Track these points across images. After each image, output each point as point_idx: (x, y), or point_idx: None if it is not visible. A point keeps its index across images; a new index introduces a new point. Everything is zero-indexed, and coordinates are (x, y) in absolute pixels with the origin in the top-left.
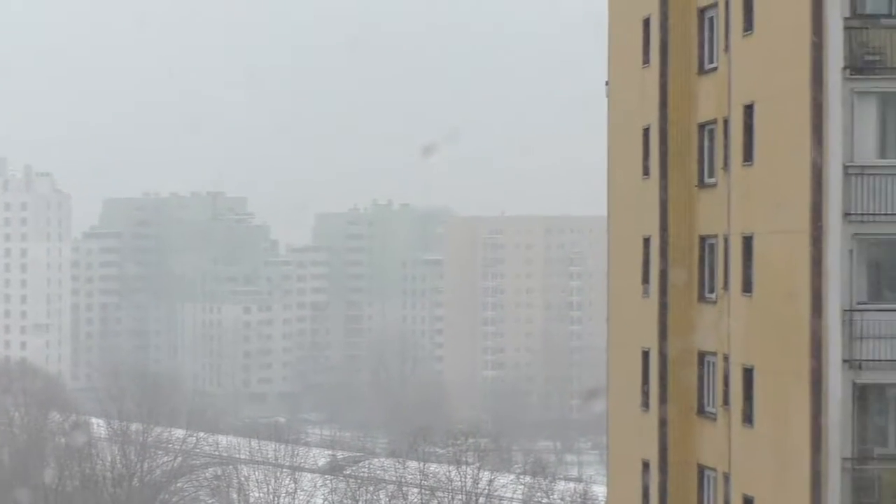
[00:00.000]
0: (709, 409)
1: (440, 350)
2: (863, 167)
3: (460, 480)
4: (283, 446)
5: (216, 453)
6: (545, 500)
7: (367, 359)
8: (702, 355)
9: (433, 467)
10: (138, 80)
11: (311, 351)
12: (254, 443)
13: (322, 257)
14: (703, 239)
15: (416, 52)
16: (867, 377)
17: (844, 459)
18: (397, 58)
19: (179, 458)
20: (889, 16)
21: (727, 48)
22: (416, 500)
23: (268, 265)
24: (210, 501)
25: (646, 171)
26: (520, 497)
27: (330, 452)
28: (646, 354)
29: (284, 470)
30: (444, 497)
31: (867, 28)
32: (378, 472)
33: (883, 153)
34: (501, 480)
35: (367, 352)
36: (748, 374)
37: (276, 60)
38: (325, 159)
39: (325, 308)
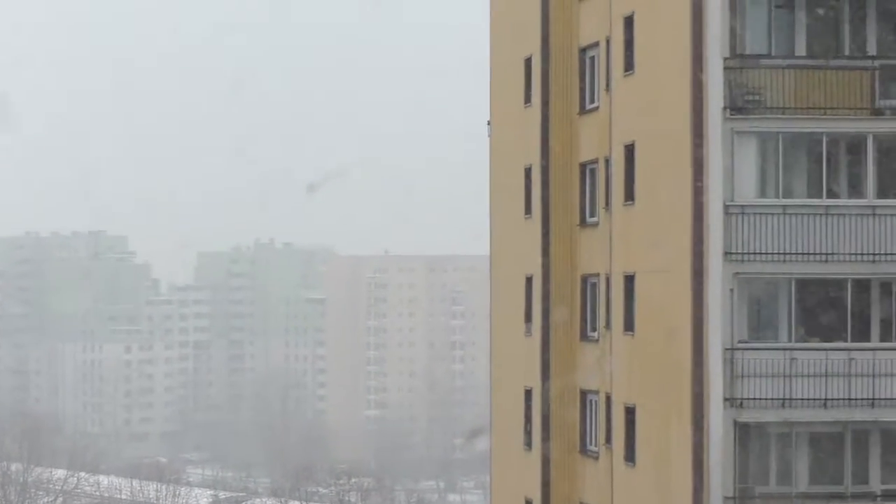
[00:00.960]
0: (591, 447)
1: (323, 389)
2: (743, 206)
3: None
4: (164, 486)
5: (97, 494)
6: None
7: (249, 398)
8: (584, 394)
9: None
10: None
11: (193, 390)
12: (135, 483)
13: (204, 296)
14: (585, 278)
15: (300, 89)
16: (748, 416)
17: (726, 498)
18: (280, 94)
19: (60, 499)
20: (768, 56)
21: (608, 88)
22: None
23: (149, 304)
24: None
25: (528, 211)
26: None
27: (212, 492)
28: (528, 393)
29: None
30: None
31: (747, 68)
32: None
33: (763, 192)
34: None
35: (249, 391)
36: (630, 412)
37: (160, 95)
38: (208, 197)
39: (207, 347)
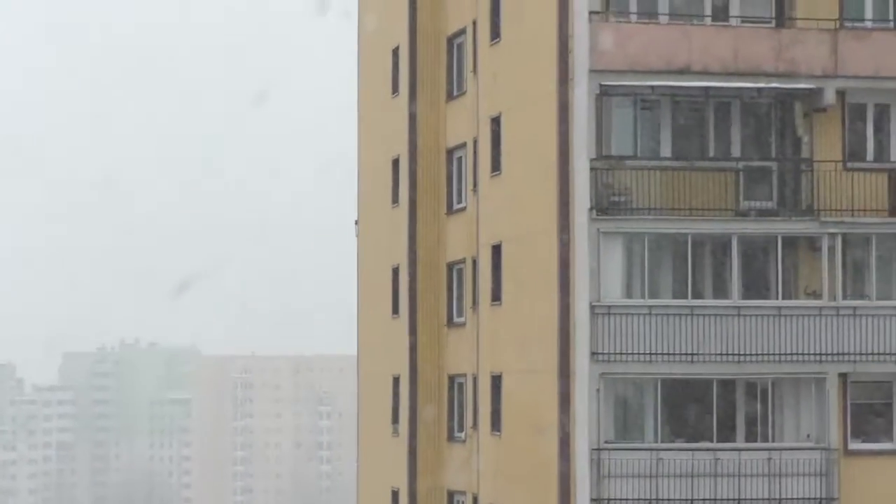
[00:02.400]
0: None
1: (188, 491)
2: (609, 306)
3: None
4: None
5: None
6: None
7: (114, 499)
8: (451, 494)
9: None
10: None
11: (57, 491)
12: None
13: (69, 396)
14: (452, 378)
15: (166, 188)
16: None
17: None
18: (147, 191)
19: None
20: (634, 157)
21: (475, 188)
22: None
23: (13, 404)
24: None
25: (395, 310)
26: None
27: None
28: (395, 494)
29: None
30: None
31: (613, 169)
32: None
33: (629, 292)
34: None
35: (114, 492)
36: None
37: (24, 193)
38: (73, 297)
39: (71, 448)
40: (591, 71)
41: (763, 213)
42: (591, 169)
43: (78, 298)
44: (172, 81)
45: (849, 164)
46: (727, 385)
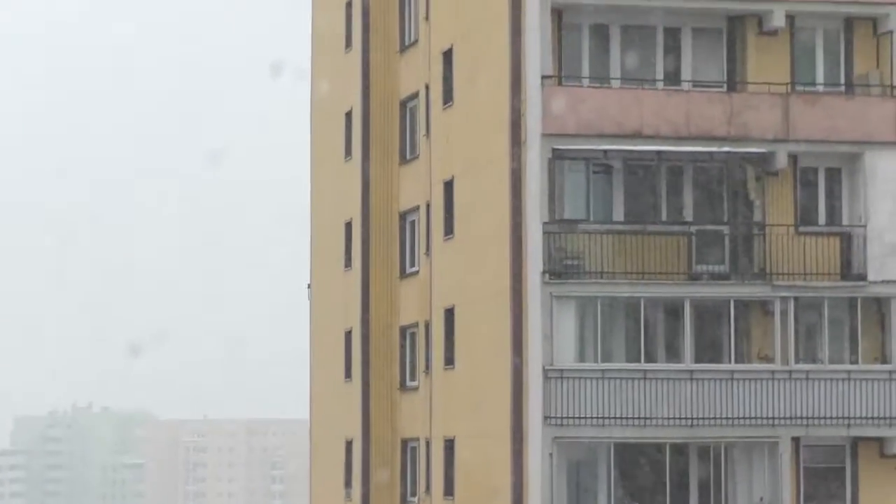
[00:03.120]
0: None
1: None
2: (562, 370)
3: None
4: None
5: None
6: None
7: None
8: None
9: None
10: None
11: None
12: None
13: (20, 461)
14: (405, 442)
15: (119, 249)
16: None
17: None
18: (101, 254)
19: None
20: (587, 221)
21: (428, 252)
22: None
23: None
24: None
25: (348, 374)
26: None
27: None
28: None
29: None
30: None
31: (566, 233)
32: None
33: (582, 356)
34: None
35: None
36: None
37: None
38: (25, 360)
39: None
40: (544, 135)
41: (715, 277)
42: (544, 232)
43: (30, 362)
44: (126, 140)
45: (801, 228)
46: (680, 449)
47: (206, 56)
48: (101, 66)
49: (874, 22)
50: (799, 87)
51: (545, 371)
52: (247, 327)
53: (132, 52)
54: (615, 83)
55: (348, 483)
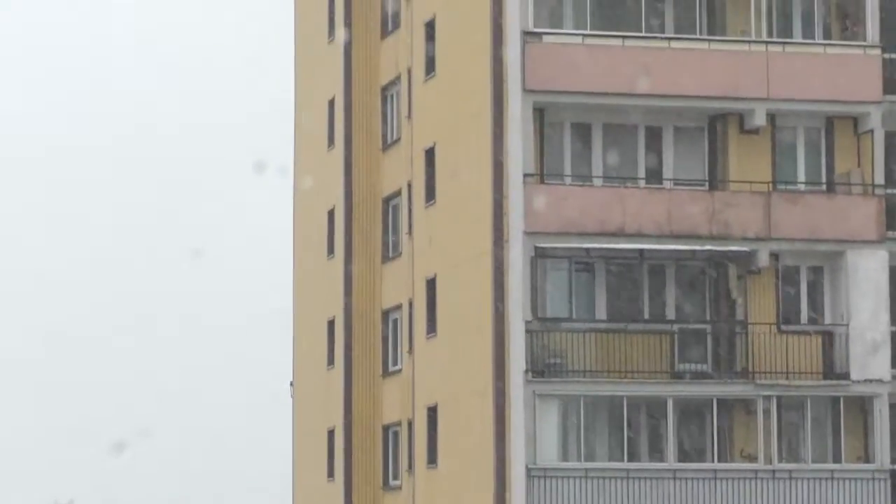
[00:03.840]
0: None
1: None
2: (545, 469)
3: None
4: None
5: None
6: None
7: None
8: None
9: None
10: None
11: None
12: None
13: None
14: None
15: (99, 346)
16: None
17: None
18: (80, 350)
19: None
20: (569, 319)
21: (411, 350)
22: None
23: None
24: None
25: (330, 474)
26: None
27: None
28: None
29: None
30: None
31: (548, 331)
32: None
33: (565, 455)
34: None
35: None
36: None
37: None
38: (4, 455)
39: None
40: (526, 233)
41: (698, 376)
42: (527, 331)
43: (9, 458)
44: (107, 235)
45: (783, 327)
46: None
47: (188, 152)
48: (89, 161)
49: (855, 121)
50: (780, 186)
51: (528, 470)
52: (229, 425)
53: (116, 149)
54: (597, 181)
55: None
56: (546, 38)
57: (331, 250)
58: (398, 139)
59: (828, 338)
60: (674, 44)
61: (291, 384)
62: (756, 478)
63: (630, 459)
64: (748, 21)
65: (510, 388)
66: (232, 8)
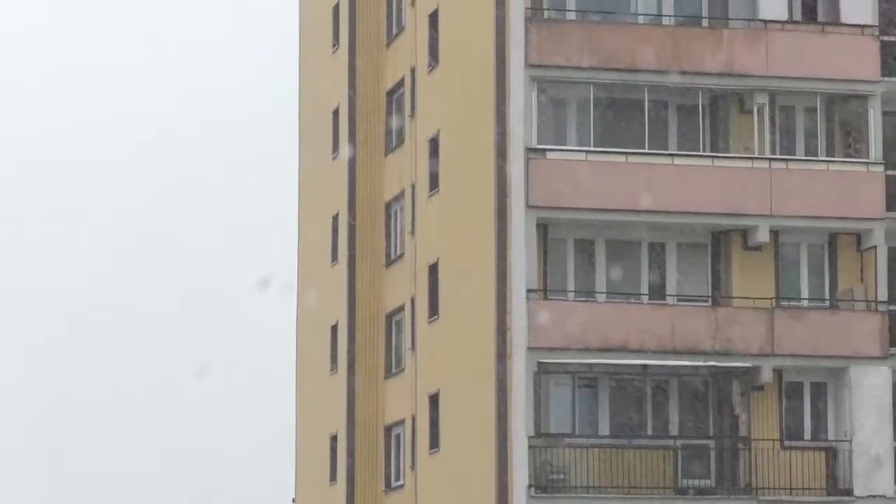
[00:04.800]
0: None
1: None
2: None
3: None
4: None
5: None
6: None
7: None
8: None
9: None
10: None
11: None
12: None
13: None
14: None
15: (104, 460)
16: None
17: None
18: (86, 463)
19: None
20: (572, 435)
21: (414, 466)
22: None
23: None
24: None
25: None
26: None
27: None
28: None
29: None
30: None
31: (551, 447)
32: None
33: None
34: None
35: None
36: None
37: None
38: None
39: None
40: (529, 348)
41: (701, 492)
42: (530, 447)
43: None
44: (111, 352)
45: (786, 442)
46: None
47: (194, 268)
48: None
49: (858, 237)
50: (784, 302)
51: None
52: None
53: (122, 263)
54: (600, 297)
55: None
56: (550, 155)
57: (334, 366)
58: (402, 255)
59: (831, 453)
60: (677, 160)
61: (293, 500)
62: None
63: None
64: (751, 137)
65: (513, 502)
66: (238, 129)
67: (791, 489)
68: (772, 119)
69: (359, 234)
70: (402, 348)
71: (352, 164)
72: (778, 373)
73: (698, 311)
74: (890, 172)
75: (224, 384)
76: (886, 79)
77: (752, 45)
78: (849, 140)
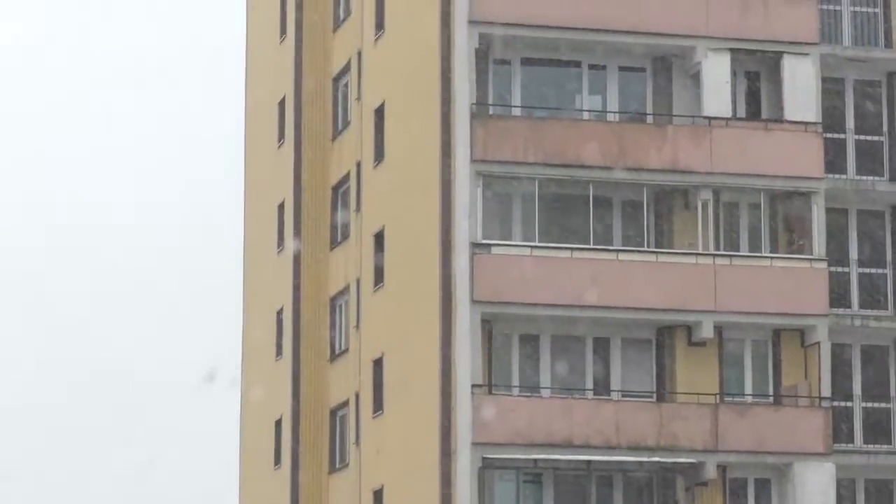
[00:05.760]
0: None
1: None
2: None
3: None
4: None
5: None
6: None
7: None
8: None
9: None
10: None
11: None
12: None
13: None
14: None
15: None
16: None
17: None
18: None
19: None
20: None
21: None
22: None
23: None
24: None
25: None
26: None
27: None
28: None
29: None
30: None
31: None
32: None
33: None
34: None
35: None
36: None
37: None
38: None
39: None
40: (474, 444)
41: None
42: None
43: None
44: (55, 456)
45: None
46: None
47: (137, 362)
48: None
49: (802, 333)
50: (728, 398)
51: None
52: None
53: (66, 370)
54: (545, 392)
55: None
56: (495, 250)
57: (277, 460)
58: (346, 349)
59: None
60: (622, 255)
61: None
62: None
63: None
64: (695, 233)
65: None
66: (185, 221)
67: None
68: (716, 215)
69: (303, 329)
70: (346, 443)
71: (297, 258)
72: (722, 469)
73: (643, 407)
74: (833, 269)
75: (168, 478)
76: (830, 175)
77: (697, 141)
78: (792, 236)
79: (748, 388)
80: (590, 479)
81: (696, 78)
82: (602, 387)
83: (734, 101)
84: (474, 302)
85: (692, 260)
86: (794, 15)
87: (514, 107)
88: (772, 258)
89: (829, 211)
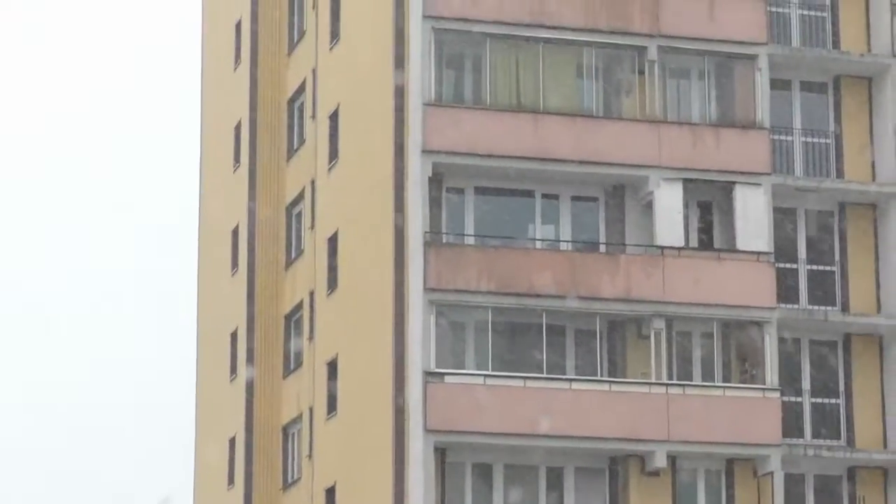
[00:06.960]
0: None
1: None
2: None
3: None
4: None
5: None
6: None
7: None
8: None
9: None
10: None
11: None
12: None
13: None
14: None
15: None
16: None
17: None
18: None
19: None
20: None
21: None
22: None
23: None
24: None
25: None
26: None
27: None
28: None
29: None
30: None
31: None
32: None
33: None
34: None
35: None
36: None
37: None
38: None
39: None
40: None
41: None
42: None
43: None
44: None
45: None
46: None
47: (91, 492)
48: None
49: (754, 464)
50: None
51: None
52: None
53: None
54: None
55: None
56: (448, 378)
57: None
58: (299, 479)
59: None
60: (575, 385)
61: None
62: None
63: None
64: (648, 363)
65: None
66: (138, 348)
67: None
68: (669, 344)
69: (256, 457)
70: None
71: (250, 386)
72: None
73: None
74: (786, 398)
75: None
76: (782, 305)
77: (649, 270)
78: (745, 366)
79: None
80: None
81: (648, 207)
82: None
83: (687, 231)
84: (427, 431)
85: (645, 389)
86: (746, 145)
87: (468, 235)
88: (724, 388)
89: (781, 340)
